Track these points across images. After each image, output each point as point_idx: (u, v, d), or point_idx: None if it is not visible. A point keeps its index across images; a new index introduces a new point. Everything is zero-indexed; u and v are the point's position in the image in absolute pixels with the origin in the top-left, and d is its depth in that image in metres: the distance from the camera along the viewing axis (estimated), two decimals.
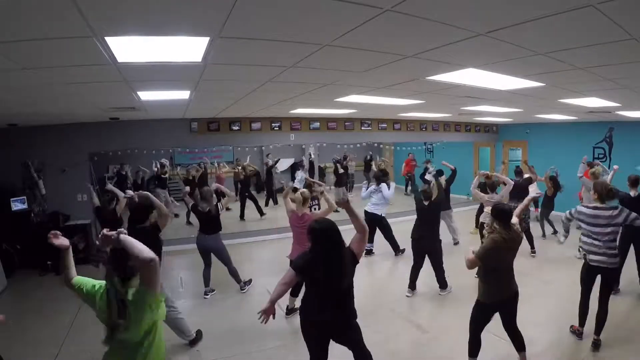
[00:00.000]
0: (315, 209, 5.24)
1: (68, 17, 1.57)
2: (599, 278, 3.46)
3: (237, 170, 9.17)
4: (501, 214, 2.80)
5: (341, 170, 9.69)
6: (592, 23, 1.79)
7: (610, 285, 3.59)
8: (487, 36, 2.00)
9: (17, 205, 5.75)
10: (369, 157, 11.69)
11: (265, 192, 10.13)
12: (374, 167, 9.87)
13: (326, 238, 2.34)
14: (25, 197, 5.89)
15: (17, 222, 5.64)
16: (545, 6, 1.60)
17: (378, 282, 5.07)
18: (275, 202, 9.77)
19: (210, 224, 4.59)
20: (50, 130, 6.18)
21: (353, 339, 2.56)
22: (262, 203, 9.24)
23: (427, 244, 4.76)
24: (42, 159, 6.19)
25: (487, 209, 5.21)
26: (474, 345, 3.03)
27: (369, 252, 6.27)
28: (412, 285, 4.83)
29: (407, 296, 4.75)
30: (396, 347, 3.57)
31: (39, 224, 5.90)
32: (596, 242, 3.37)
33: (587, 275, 3.50)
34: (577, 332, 3.61)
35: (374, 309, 4.27)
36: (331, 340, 2.60)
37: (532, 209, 8.82)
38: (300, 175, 8.66)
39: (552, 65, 2.69)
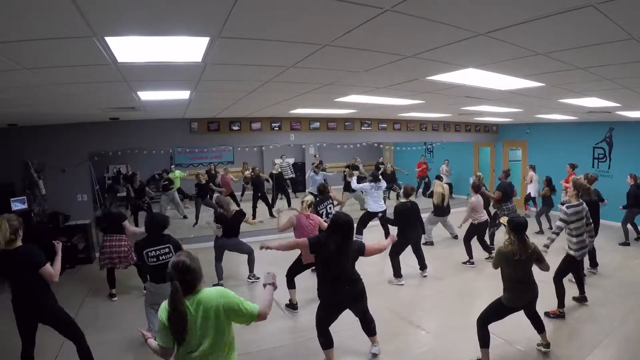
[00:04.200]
0: (330, 207, 5.46)
1: (68, 17, 1.57)
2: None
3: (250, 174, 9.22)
4: (518, 226, 3.00)
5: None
6: (592, 23, 1.79)
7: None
8: (487, 36, 2.00)
9: (17, 205, 5.74)
10: (380, 162, 11.84)
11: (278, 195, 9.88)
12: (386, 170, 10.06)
13: (348, 227, 2.98)
14: (25, 197, 5.89)
15: None
16: (545, 6, 1.60)
17: (377, 282, 5.07)
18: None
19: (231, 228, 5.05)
20: (50, 130, 6.18)
21: (362, 308, 3.23)
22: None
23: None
24: (42, 159, 6.18)
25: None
26: (485, 337, 3.10)
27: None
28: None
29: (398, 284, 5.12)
30: (396, 347, 3.57)
31: (39, 224, 5.90)
32: (582, 237, 4.00)
33: (578, 267, 4.19)
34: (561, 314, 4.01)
35: (374, 310, 4.27)
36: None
37: (532, 207, 8.88)
38: (319, 177, 8.55)
39: (552, 65, 2.69)
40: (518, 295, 3.06)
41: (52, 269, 2.78)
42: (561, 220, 4.02)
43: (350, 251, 3.01)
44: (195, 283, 1.84)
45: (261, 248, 3.17)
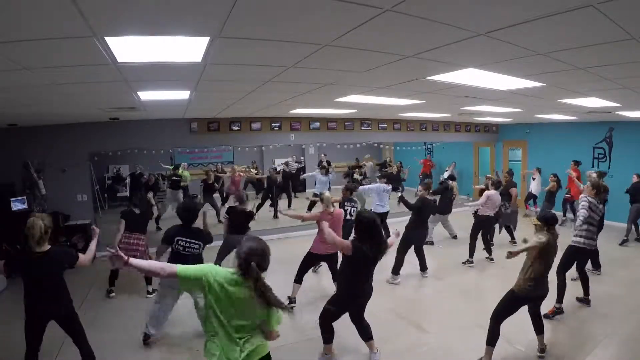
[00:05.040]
0: (354, 210, 5.38)
1: (68, 17, 1.57)
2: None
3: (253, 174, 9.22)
4: (551, 220, 3.14)
5: (359, 177, 9.85)
6: (592, 23, 1.79)
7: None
8: (487, 36, 2.00)
9: (17, 205, 5.74)
10: (388, 160, 11.92)
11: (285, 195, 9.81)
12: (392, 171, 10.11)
13: (376, 228, 2.95)
14: (25, 197, 5.88)
15: (17, 222, 5.63)
16: (545, 6, 1.60)
17: (377, 281, 5.07)
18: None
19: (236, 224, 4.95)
20: (50, 130, 6.18)
21: (362, 310, 3.28)
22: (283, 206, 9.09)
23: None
24: (42, 159, 6.17)
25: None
26: (495, 334, 3.11)
27: None
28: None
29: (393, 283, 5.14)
30: (396, 347, 3.57)
31: None
32: (594, 227, 4.11)
33: (582, 257, 4.26)
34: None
35: (374, 309, 4.27)
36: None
37: (532, 207, 8.88)
38: (324, 178, 8.63)
39: (552, 65, 2.69)
40: (540, 286, 3.10)
41: (85, 257, 2.83)
42: (585, 209, 4.04)
43: (380, 255, 2.99)
44: (266, 268, 1.96)
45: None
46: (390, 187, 6.76)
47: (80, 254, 2.82)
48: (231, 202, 8.02)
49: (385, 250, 3.02)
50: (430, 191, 5.49)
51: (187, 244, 3.51)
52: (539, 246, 3.03)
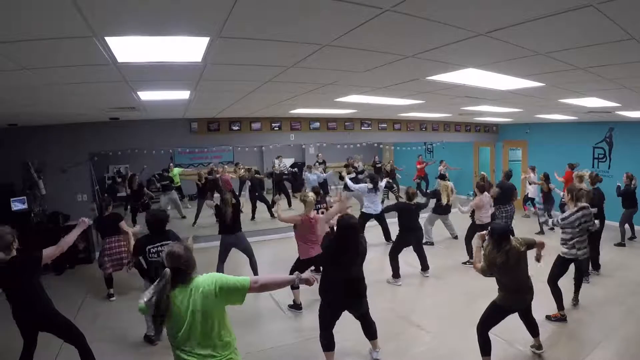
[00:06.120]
0: (322, 212, 5.31)
1: (68, 17, 1.57)
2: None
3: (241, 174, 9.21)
4: (492, 231, 3.03)
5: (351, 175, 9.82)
6: (592, 23, 1.79)
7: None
8: (487, 36, 2.00)
9: (17, 205, 5.74)
10: (377, 160, 11.81)
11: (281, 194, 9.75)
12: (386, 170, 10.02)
13: (353, 230, 3.05)
14: (25, 197, 5.88)
15: (17, 222, 5.63)
16: (545, 6, 1.60)
17: (377, 281, 5.07)
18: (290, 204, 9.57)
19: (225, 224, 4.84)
20: (50, 130, 6.18)
21: (361, 309, 3.25)
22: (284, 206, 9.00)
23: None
24: (42, 159, 6.18)
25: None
26: (486, 343, 3.08)
27: None
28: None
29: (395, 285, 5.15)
30: (396, 347, 3.57)
31: (39, 224, 5.90)
32: (579, 238, 3.92)
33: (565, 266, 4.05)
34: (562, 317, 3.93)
35: (373, 309, 4.27)
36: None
37: (531, 208, 8.88)
38: (312, 178, 8.69)
39: (552, 65, 2.69)
40: (513, 295, 3.03)
41: (52, 250, 2.78)
42: (555, 223, 4.05)
43: (354, 253, 3.05)
44: (188, 272, 1.89)
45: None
46: (372, 186, 6.51)
47: (45, 250, 2.75)
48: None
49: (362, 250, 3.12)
50: (415, 200, 5.36)
51: (159, 248, 3.41)
52: (481, 270, 3.01)
